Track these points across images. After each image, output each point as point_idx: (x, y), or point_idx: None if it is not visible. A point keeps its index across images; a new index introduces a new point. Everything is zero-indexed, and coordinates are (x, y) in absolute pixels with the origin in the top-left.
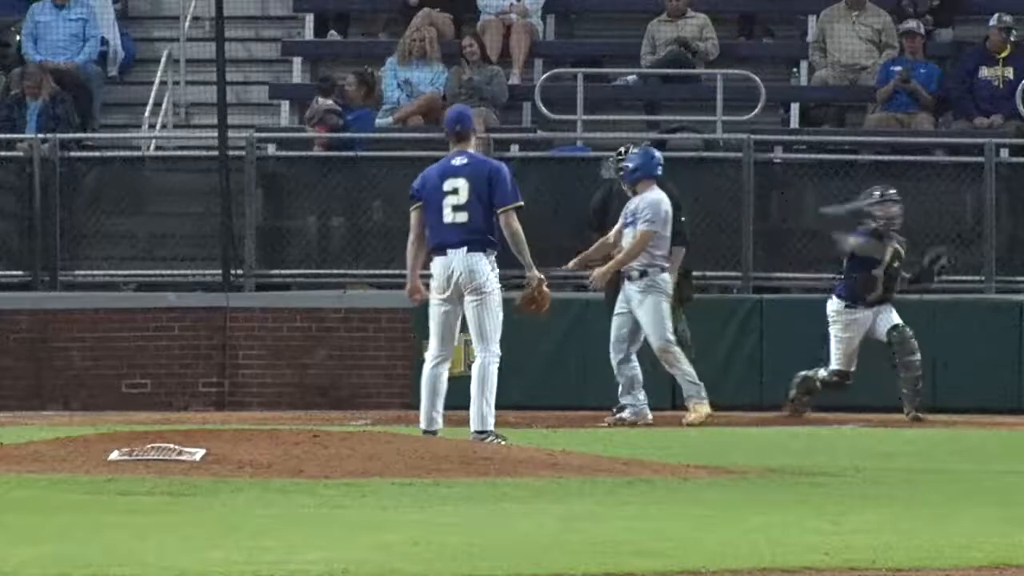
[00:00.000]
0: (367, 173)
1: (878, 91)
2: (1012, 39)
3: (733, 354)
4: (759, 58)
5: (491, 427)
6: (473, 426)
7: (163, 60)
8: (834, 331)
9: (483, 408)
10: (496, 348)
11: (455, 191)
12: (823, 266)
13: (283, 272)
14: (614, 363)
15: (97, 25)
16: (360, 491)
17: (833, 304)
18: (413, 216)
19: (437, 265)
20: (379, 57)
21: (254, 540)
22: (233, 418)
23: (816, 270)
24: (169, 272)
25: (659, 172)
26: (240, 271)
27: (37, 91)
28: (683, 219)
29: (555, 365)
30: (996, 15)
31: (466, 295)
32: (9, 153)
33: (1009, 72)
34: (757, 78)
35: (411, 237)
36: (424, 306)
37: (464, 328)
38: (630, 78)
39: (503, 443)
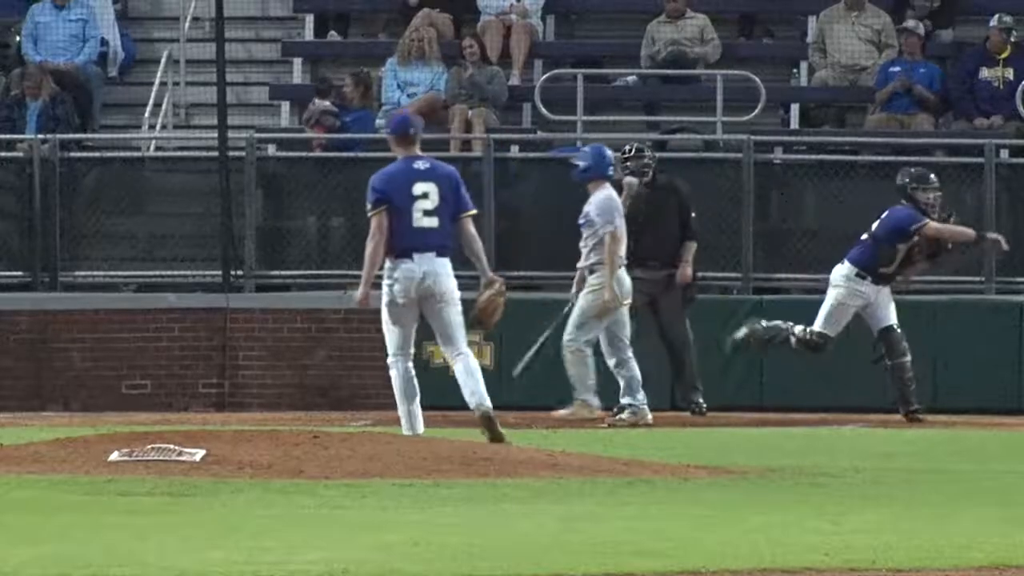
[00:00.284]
0: (367, 174)
1: (877, 93)
2: (1012, 40)
3: (733, 354)
4: (759, 59)
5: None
6: (486, 404)
7: (163, 60)
8: (834, 294)
9: (482, 387)
10: (466, 347)
11: (425, 195)
12: (823, 267)
13: (283, 273)
14: (611, 366)
15: (97, 25)
16: (360, 492)
17: (843, 269)
18: (378, 220)
19: (402, 270)
20: (379, 57)
21: (254, 540)
22: (233, 419)
23: (816, 270)
24: (169, 273)
25: (610, 172)
26: (240, 272)
27: (37, 91)
28: (693, 215)
29: (556, 365)
30: (996, 15)
31: (430, 299)
32: (9, 153)
33: (1009, 73)
34: (757, 79)
35: (377, 240)
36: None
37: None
38: (630, 79)
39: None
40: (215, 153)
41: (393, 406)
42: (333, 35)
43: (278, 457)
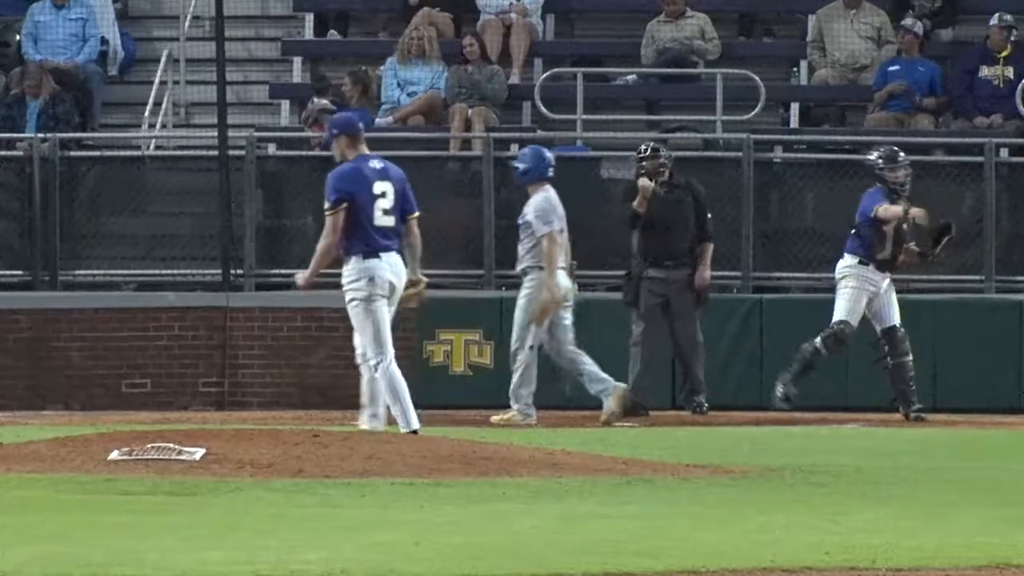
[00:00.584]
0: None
1: (875, 94)
2: (1012, 39)
3: (733, 354)
4: (759, 58)
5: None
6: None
7: (163, 60)
8: (844, 284)
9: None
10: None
11: (384, 195)
12: (823, 266)
13: (283, 272)
14: (574, 366)
15: (97, 25)
16: (360, 491)
17: (846, 260)
18: (336, 218)
19: (378, 268)
20: (379, 57)
21: (254, 540)
22: (233, 418)
23: (816, 270)
24: (169, 272)
25: (550, 173)
26: (240, 271)
27: (37, 91)
28: (709, 216)
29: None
30: (996, 15)
31: (390, 298)
32: (9, 153)
33: (1009, 72)
34: (757, 78)
35: (334, 238)
36: (426, 307)
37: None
38: (630, 78)
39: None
40: (215, 152)
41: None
42: (333, 34)
43: (278, 456)
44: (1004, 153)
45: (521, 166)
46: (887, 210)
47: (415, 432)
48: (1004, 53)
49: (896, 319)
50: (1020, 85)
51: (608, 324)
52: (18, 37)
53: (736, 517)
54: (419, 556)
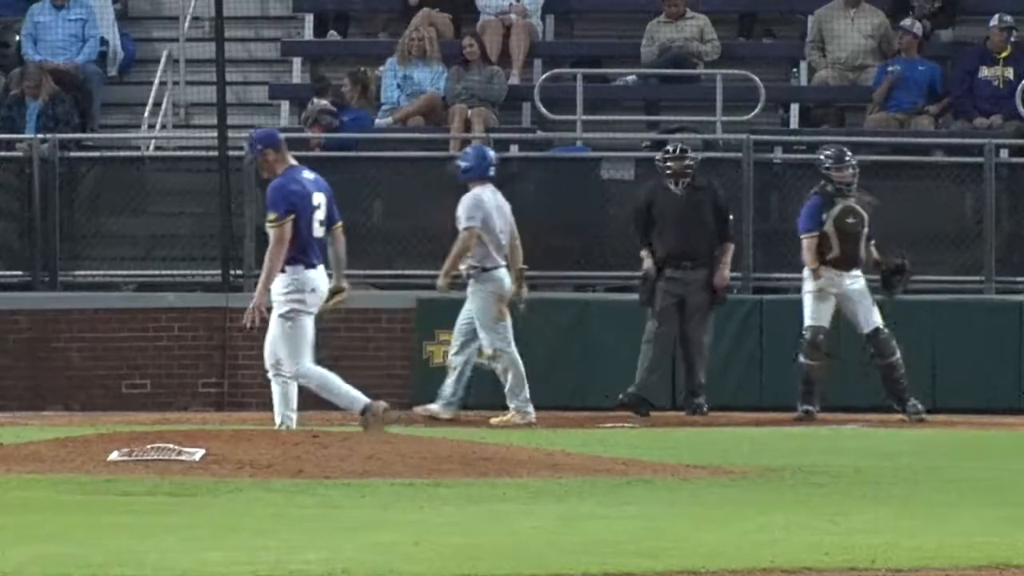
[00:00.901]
0: (367, 173)
1: (874, 92)
2: (1012, 39)
3: (733, 354)
4: (759, 58)
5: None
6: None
7: (163, 60)
8: (804, 290)
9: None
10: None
11: (319, 206)
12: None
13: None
14: (451, 353)
15: (97, 25)
16: (360, 491)
17: (805, 271)
18: (282, 230)
19: (313, 279)
20: (379, 57)
21: (254, 540)
22: (233, 418)
23: None
24: (169, 272)
25: (491, 172)
26: (240, 271)
27: (37, 91)
28: (731, 217)
29: (555, 365)
30: (996, 15)
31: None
32: (9, 153)
33: (1009, 72)
34: (757, 78)
35: (283, 248)
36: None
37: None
38: (630, 78)
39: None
40: (215, 153)
41: (393, 405)
42: (333, 35)
43: (278, 456)
44: (1004, 154)
45: (463, 164)
46: (807, 249)
47: (368, 407)
48: (1004, 54)
49: (877, 321)
50: (1020, 86)
51: (608, 324)
52: (18, 37)
53: (736, 517)
54: (419, 556)
